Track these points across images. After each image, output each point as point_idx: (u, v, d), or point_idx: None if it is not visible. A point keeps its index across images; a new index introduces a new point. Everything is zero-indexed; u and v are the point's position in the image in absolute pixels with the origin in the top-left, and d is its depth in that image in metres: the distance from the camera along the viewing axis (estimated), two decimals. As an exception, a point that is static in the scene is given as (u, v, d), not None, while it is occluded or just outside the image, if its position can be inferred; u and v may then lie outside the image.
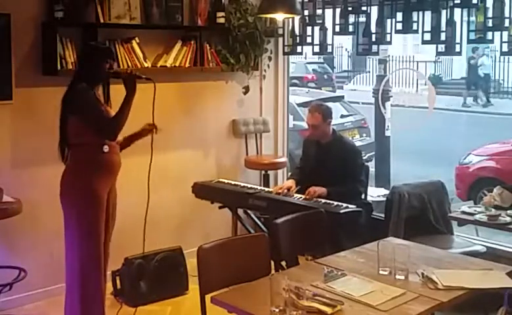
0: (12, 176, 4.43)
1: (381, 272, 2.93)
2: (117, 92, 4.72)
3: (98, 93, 3.83)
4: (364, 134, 9.08)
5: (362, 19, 5.24)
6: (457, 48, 4.69)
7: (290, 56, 6.15)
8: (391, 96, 7.52)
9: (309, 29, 5.59)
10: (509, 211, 4.20)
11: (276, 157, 6.05)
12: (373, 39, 5.09)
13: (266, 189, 5.17)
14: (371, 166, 7.53)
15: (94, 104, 3.70)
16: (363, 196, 5.00)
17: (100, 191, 3.75)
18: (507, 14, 4.40)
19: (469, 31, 4.62)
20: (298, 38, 5.69)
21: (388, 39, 5.06)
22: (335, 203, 4.44)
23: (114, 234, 4.89)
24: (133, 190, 5.16)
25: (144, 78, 3.81)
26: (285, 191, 4.81)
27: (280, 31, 5.86)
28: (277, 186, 5.15)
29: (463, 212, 4.35)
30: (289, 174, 5.63)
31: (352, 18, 5.27)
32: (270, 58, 5.91)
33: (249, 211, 5.32)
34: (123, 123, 3.75)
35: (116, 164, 3.88)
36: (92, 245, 3.75)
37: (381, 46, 5.42)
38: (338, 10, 5.32)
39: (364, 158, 7.27)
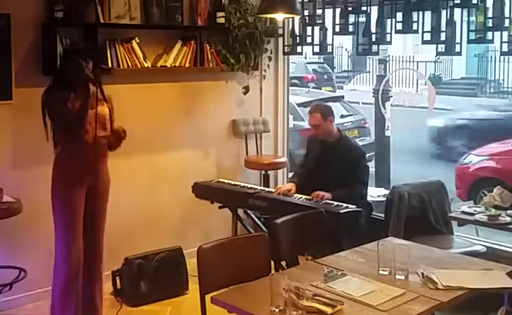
0: (12, 176, 4.43)
1: (381, 272, 2.93)
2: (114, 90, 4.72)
3: (91, 91, 3.82)
4: (364, 134, 9.08)
5: (362, 19, 5.24)
6: (457, 48, 4.69)
7: (290, 56, 6.15)
8: (391, 96, 7.52)
9: (309, 29, 5.59)
10: (509, 211, 4.20)
11: (276, 157, 6.05)
12: (373, 39, 5.09)
13: (266, 189, 5.17)
14: (371, 166, 7.53)
15: (54, 104, 3.80)
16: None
17: (72, 191, 3.87)
18: (507, 14, 4.39)
19: (469, 31, 4.62)
20: (298, 38, 5.69)
21: (388, 39, 5.06)
22: (335, 203, 4.44)
23: (114, 234, 4.90)
24: (133, 190, 5.18)
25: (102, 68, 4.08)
26: (286, 192, 4.81)
27: (280, 31, 5.86)
28: (278, 187, 5.15)
29: (463, 212, 4.35)
30: (292, 173, 5.60)
31: (352, 18, 5.27)
32: (270, 58, 5.91)
33: (249, 211, 5.32)
34: (79, 119, 3.78)
35: (92, 161, 3.92)
36: (65, 243, 3.88)
37: (381, 46, 5.42)
38: (338, 10, 5.32)
39: (364, 158, 7.26)
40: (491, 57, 15.36)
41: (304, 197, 4.67)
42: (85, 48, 4.31)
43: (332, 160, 4.84)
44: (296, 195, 4.75)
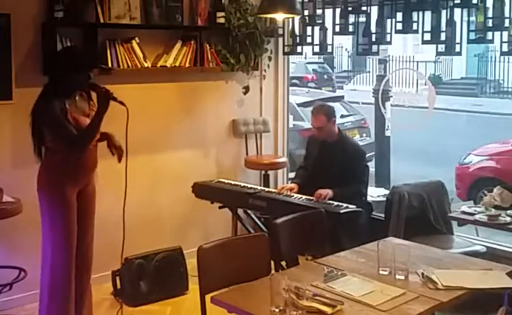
0: (12, 176, 4.43)
1: (381, 272, 2.93)
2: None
3: (79, 98, 3.73)
4: (364, 134, 9.08)
5: (362, 19, 5.24)
6: (457, 48, 4.70)
7: (290, 56, 6.15)
8: (391, 96, 7.51)
9: (309, 29, 5.59)
10: (509, 211, 4.20)
11: (276, 157, 6.05)
12: (373, 39, 5.10)
13: (266, 189, 5.18)
14: (371, 166, 7.53)
15: (60, 123, 3.58)
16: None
17: (68, 192, 3.73)
18: (507, 14, 4.40)
19: (469, 31, 4.62)
20: (298, 38, 5.69)
21: (388, 39, 5.07)
22: (335, 203, 4.44)
23: (114, 234, 4.89)
24: (133, 191, 5.17)
25: (118, 101, 3.66)
26: (287, 192, 4.81)
27: (280, 31, 5.85)
28: (281, 186, 5.15)
29: (463, 212, 4.35)
30: (293, 174, 5.60)
31: (352, 18, 5.27)
32: (270, 58, 5.91)
33: (249, 211, 5.32)
34: (92, 138, 3.70)
35: (89, 164, 3.83)
36: (62, 246, 3.79)
37: (381, 46, 5.42)
38: (338, 10, 5.33)
39: (364, 158, 7.26)
40: (491, 57, 15.38)
41: (304, 197, 4.67)
42: (95, 55, 4.13)
43: (333, 160, 4.85)
44: (296, 195, 4.75)
